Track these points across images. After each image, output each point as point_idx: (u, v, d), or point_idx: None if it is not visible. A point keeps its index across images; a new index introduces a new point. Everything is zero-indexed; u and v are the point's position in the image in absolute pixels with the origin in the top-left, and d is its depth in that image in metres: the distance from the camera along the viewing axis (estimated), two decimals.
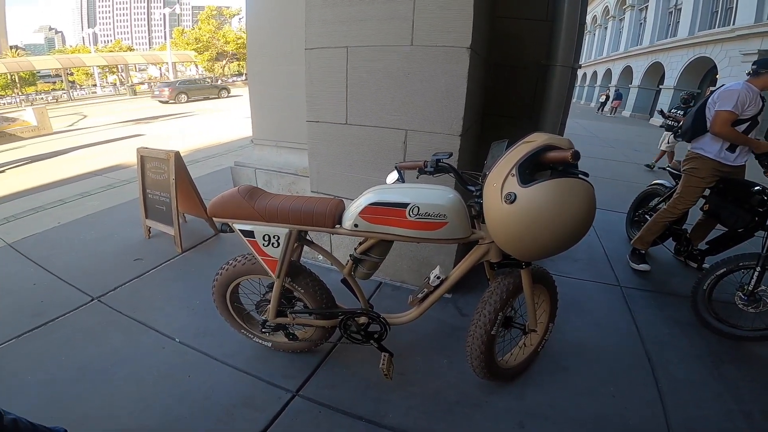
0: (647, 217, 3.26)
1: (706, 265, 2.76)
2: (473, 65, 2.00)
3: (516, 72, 2.86)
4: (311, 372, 1.86)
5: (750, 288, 2.19)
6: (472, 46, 1.90)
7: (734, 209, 2.47)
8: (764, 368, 2.04)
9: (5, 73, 28.12)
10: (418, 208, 1.28)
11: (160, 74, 40.19)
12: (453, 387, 1.80)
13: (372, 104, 2.17)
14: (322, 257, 1.61)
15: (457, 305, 2.37)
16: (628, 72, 21.61)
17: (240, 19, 48.30)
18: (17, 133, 9.72)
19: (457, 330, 2.15)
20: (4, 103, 27.31)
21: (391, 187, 1.40)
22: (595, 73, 28.56)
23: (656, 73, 18.80)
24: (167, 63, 32.18)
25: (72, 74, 38.97)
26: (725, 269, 2.24)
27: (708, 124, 2.52)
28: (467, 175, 1.50)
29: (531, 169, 1.18)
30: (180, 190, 2.97)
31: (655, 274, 2.94)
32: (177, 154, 2.90)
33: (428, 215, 1.28)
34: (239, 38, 37.61)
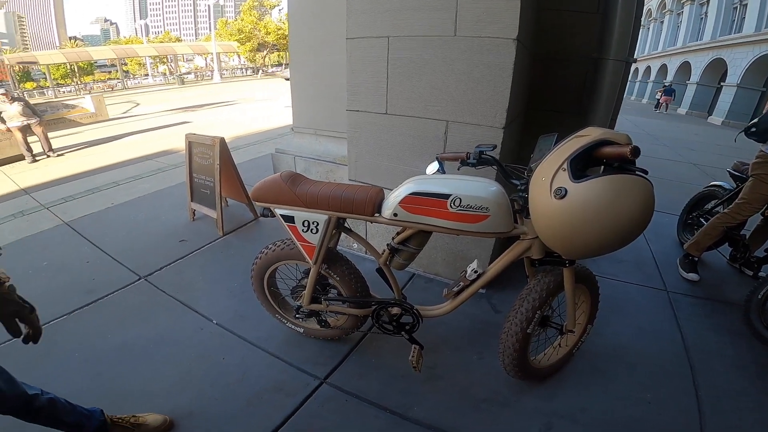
0: (702, 220, 3.05)
1: (762, 274, 2.57)
2: (519, 57, 1.93)
3: (562, 65, 2.74)
4: (340, 360, 1.88)
5: None
6: (519, 38, 1.83)
7: None
8: None
9: (65, 63, 30.16)
10: (460, 199, 1.26)
11: (206, 64, 41.88)
12: (482, 384, 1.77)
13: (413, 94, 2.15)
14: (356, 245, 1.62)
15: (490, 301, 2.32)
16: (685, 68, 20.27)
17: (280, 9, 49.36)
18: (76, 119, 10.42)
19: (490, 326, 2.11)
20: (64, 92, 29.44)
21: (432, 178, 1.38)
22: (648, 69, 26.94)
23: (717, 69, 17.48)
24: (212, 53, 33.39)
25: (126, 64, 41.29)
26: None
27: None
28: (510, 169, 1.45)
29: (583, 165, 1.13)
30: (223, 175, 3.08)
31: (707, 281, 2.76)
32: (222, 141, 3.01)
33: (470, 207, 1.26)
34: (279, 29, 38.46)
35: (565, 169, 1.11)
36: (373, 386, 1.74)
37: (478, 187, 1.28)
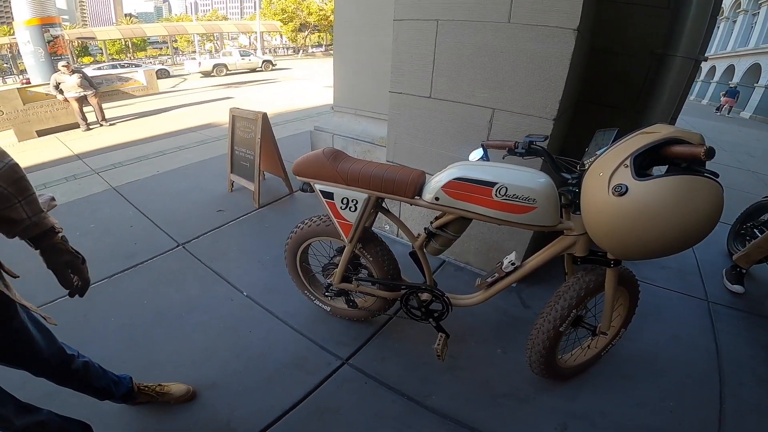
0: (756, 231, 2.83)
1: None
2: (578, 49, 1.83)
3: (621, 59, 2.58)
4: (364, 342, 1.89)
5: None
6: (579, 28, 1.73)
7: None
8: None
9: (120, 39, 31.56)
10: (506, 188, 1.21)
11: (249, 43, 42.64)
12: (503, 378, 1.75)
13: (459, 80, 2.09)
14: (389, 227, 1.60)
15: (521, 296, 2.26)
16: (755, 70, 18.81)
17: None
18: (129, 92, 10.95)
19: (518, 321, 2.07)
20: (119, 65, 30.89)
21: (477, 164, 1.34)
22: (713, 69, 25.19)
23: None
24: (256, 32, 33.94)
25: (176, 41, 42.71)
26: None
27: None
28: (561, 161, 1.38)
29: (646, 163, 1.06)
30: (264, 149, 3.15)
31: (751, 294, 2.58)
32: (264, 116, 3.07)
33: (516, 197, 1.21)
34: (321, 10, 38.51)
35: (627, 166, 1.05)
36: (394, 371, 1.75)
37: (526, 177, 1.23)
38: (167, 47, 37.93)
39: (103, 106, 7.22)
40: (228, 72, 19.45)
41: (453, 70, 2.09)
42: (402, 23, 2.20)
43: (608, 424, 1.58)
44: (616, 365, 1.86)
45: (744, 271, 2.61)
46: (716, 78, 24.04)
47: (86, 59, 38.47)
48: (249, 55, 22.26)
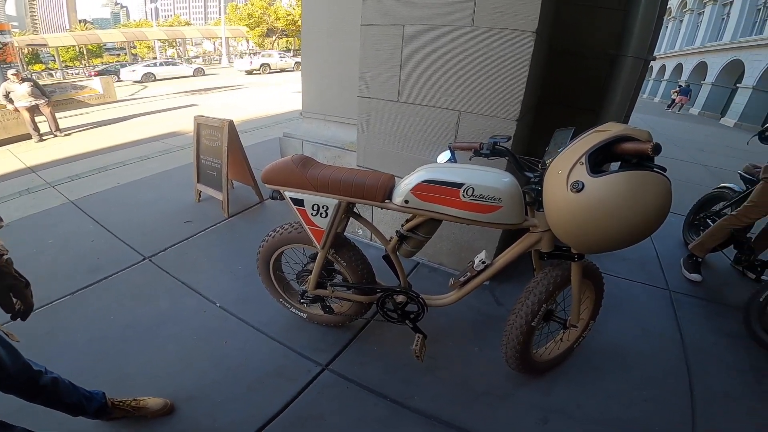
0: (708, 221, 3.03)
1: (765, 277, 2.56)
2: (537, 51, 1.90)
3: (579, 60, 2.70)
4: (342, 347, 1.89)
5: None
6: (538, 31, 1.80)
7: None
8: None
9: (74, 46, 30.11)
10: (473, 189, 1.25)
11: (214, 48, 41.69)
12: (482, 376, 1.78)
13: (426, 83, 2.13)
14: (362, 231, 1.61)
15: (494, 294, 2.32)
16: (701, 68, 20.03)
17: None
18: (85, 100, 10.45)
19: (492, 319, 2.11)
20: (73, 74, 29.42)
21: (445, 166, 1.37)
22: (663, 67, 26.63)
23: (734, 71, 17.23)
24: (221, 38, 33.22)
25: (135, 47, 41.11)
26: None
27: None
28: (524, 161, 1.43)
29: (600, 160, 1.12)
30: (231, 157, 3.08)
31: (709, 282, 2.75)
32: (231, 123, 3.00)
33: (483, 197, 1.25)
34: (289, 14, 38.14)
35: (582, 163, 1.10)
36: (374, 374, 1.75)
37: (491, 178, 1.27)
38: (125, 53, 36.46)
39: (57, 115, 6.86)
40: (270, 71, 23.24)
41: (420, 73, 2.12)
42: (369, 28, 2.21)
43: (586, 416, 1.63)
44: (587, 358, 1.92)
45: (700, 259, 2.77)
46: (666, 76, 25.40)
47: (37, 66, 36.43)
48: (285, 57, 26.88)
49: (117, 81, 18.45)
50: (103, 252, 2.64)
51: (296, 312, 1.99)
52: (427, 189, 1.30)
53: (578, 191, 1.09)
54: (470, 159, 1.56)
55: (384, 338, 1.95)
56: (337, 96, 3.22)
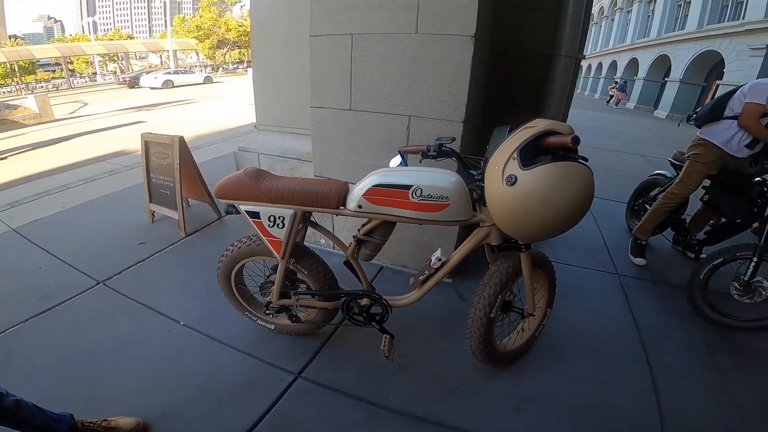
0: (647, 206, 3.26)
1: (703, 256, 2.77)
2: (477, 54, 2.01)
3: (520, 61, 2.87)
4: (313, 354, 1.89)
5: (746, 278, 2.20)
6: (477, 35, 1.91)
7: (733, 200, 2.49)
8: (757, 359, 2.06)
9: (5, 63, 27.98)
10: (421, 189, 1.31)
11: (161, 62, 40.06)
12: (452, 371, 1.83)
13: (375, 91, 2.19)
14: (324, 240, 1.63)
15: (457, 290, 2.40)
16: (633, 64, 21.50)
17: (242, 6, 47.89)
18: (20, 120, 9.74)
19: (458, 314, 2.17)
20: (5, 92, 27.29)
21: (394, 170, 1.43)
22: (600, 65, 28.40)
23: (662, 65, 18.69)
24: (168, 51, 31.98)
25: (72, 63, 38.68)
26: (722, 259, 2.25)
27: (724, 114, 2.51)
28: (469, 160, 1.52)
29: (532, 154, 1.21)
30: (184, 174, 2.99)
31: (654, 264, 2.97)
32: (181, 139, 2.92)
33: (431, 197, 1.31)
34: (240, 26, 37.43)
35: (515, 158, 1.20)
36: (347, 378, 1.76)
37: (438, 178, 1.33)
38: (61, 69, 34.22)
39: None
40: (174, 86, 22.69)
41: (369, 81, 2.18)
42: (318, 39, 2.25)
43: (556, 402, 1.71)
44: (549, 346, 2.02)
45: (643, 242, 2.99)
46: (603, 73, 27.11)
47: None
48: (190, 73, 27.17)
49: (137, 87, 22.42)
50: (53, 279, 2.49)
51: (264, 324, 1.97)
52: (378, 193, 1.35)
53: (512, 184, 1.19)
54: (420, 162, 1.63)
55: (353, 342, 1.97)
56: (292, 107, 3.22)
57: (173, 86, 22.41)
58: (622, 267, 2.91)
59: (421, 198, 1.31)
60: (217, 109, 11.98)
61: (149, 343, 1.95)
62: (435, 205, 1.32)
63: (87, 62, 43.01)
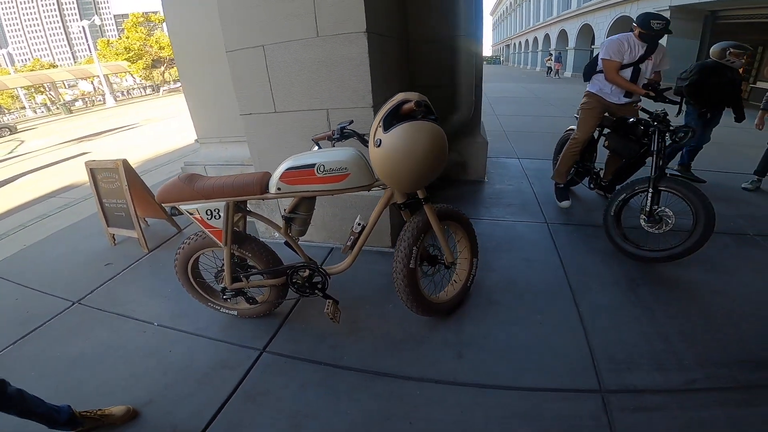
0: None
1: None
2: (376, 46, 2.27)
3: (431, 46, 3.18)
4: (275, 331, 2.11)
5: (648, 209, 2.40)
6: (371, 30, 2.17)
7: (625, 142, 2.86)
8: (675, 290, 2.25)
9: None
10: (324, 165, 1.59)
11: (94, 88, 37.98)
12: (398, 327, 2.04)
13: (294, 92, 2.42)
14: (278, 234, 1.87)
15: None
16: (563, 35, 22.41)
17: None
18: None
19: None
20: None
21: (303, 154, 1.69)
22: (536, 39, 29.32)
23: (588, 34, 19.64)
24: (98, 76, 30.32)
25: None
26: (625, 194, 2.51)
27: (597, 68, 2.99)
28: (367, 137, 1.76)
29: (396, 120, 1.48)
30: (135, 195, 3.11)
31: (578, 210, 3.31)
32: (125, 162, 3.04)
33: (332, 170, 1.59)
34: None
35: (380, 125, 1.49)
36: (307, 347, 1.98)
37: (336, 154, 1.62)
38: None
39: None
40: None
41: (287, 85, 2.41)
42: (234, 53, 2.45)
43: (494, 344, 1.91)
44: (485, 295, 2.25)
45: (561, 185, 3.36)
46: (540, 47, 28.11)
47: None
48: None
49: None
50: (31, 306, 2.59)
51: (227, 311, 2.18)
52: (291, 174, 1.62)
53: (379, 146, 1.48)
54: (333, 145, 1.87)
55: (310, 316, 2.19)
56: (227, 117, 3.36)
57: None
58: (551, 216, 3.21)
59: (324, 172, 1.59)
60: (162, 131, 11.72)
61: (128, 345, 2.12)
62: (337, 176, 1.60)
63: (12, 97, 40.08)
